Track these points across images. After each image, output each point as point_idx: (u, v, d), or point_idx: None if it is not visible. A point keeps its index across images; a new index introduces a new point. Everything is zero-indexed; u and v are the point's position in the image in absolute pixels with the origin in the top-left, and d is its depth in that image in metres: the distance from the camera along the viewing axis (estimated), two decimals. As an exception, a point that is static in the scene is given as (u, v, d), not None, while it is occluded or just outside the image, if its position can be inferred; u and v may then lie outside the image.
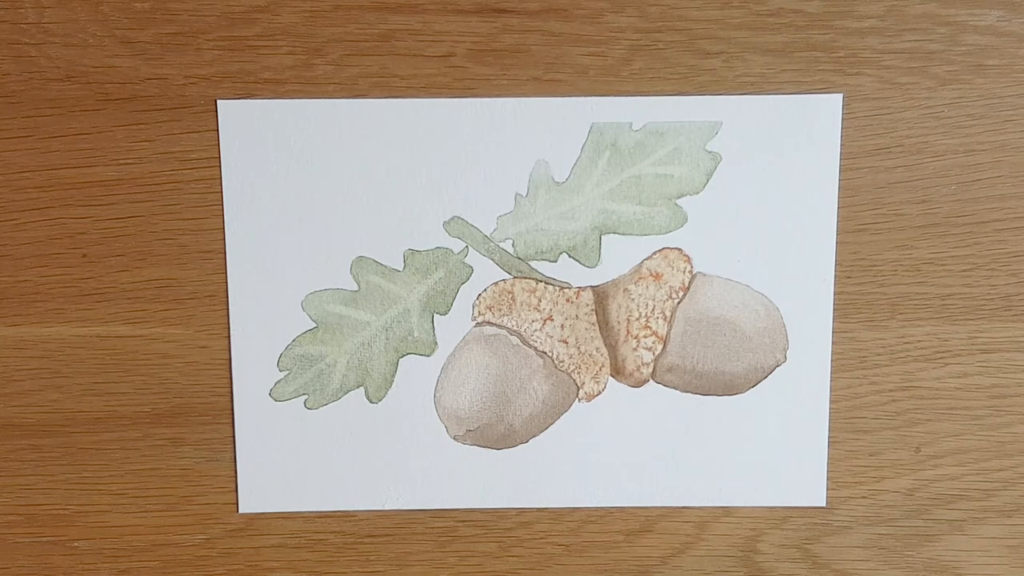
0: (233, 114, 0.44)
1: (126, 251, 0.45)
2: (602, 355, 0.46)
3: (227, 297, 0.45)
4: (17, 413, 0.46)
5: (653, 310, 0.46)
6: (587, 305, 0.46)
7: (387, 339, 0.46)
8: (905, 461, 0.47)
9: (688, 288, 0.46)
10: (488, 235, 0.45)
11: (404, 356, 0.46)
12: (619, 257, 0.45)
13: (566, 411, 0.47)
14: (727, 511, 0.48)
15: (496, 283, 0.46)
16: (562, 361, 0.46)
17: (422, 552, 0.48)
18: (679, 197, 0.45)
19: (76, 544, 0.48)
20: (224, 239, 0.45)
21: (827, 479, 0.47)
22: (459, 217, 0.45)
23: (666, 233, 0.45)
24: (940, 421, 0.47)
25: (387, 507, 0.47)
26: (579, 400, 0.46)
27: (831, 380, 0.46)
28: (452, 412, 0.46)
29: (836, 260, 0.45)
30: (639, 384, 0.46)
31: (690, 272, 0.46)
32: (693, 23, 0.43)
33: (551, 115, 0.44)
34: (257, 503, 0.47)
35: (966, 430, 0.47)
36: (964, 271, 0.46)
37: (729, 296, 0.46)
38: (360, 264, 0.45)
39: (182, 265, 0.45)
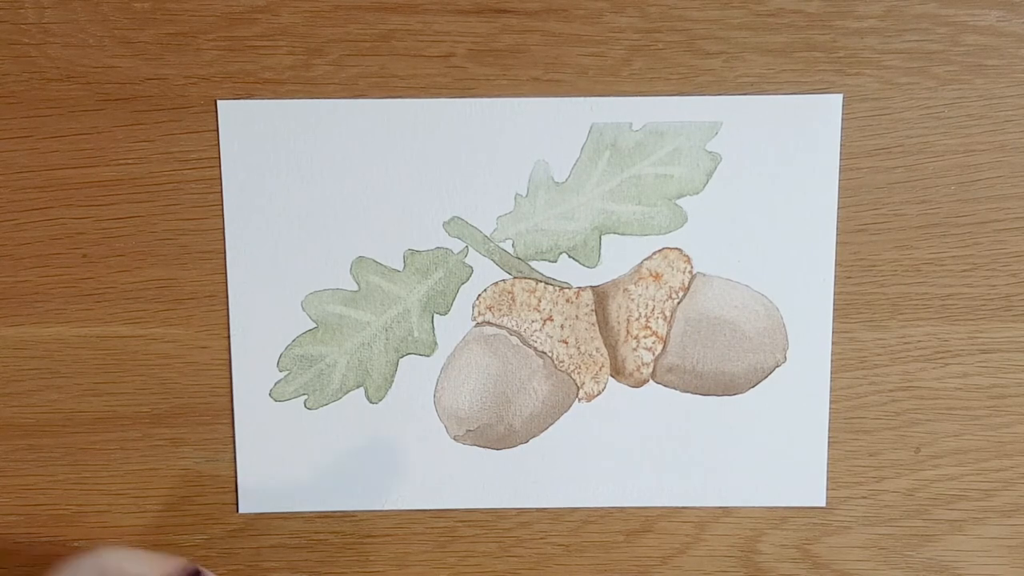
0: (233, 114, 0.44)
1: (126, 251, 0.45)
2: (602, 355, 0.46)
3: (227, 297, 0.45)
4: (17, 413, 0.46)
5: (653, 310, 0.46)
6: (587, 305, 0.46)
7: (387, 339, 0.46)
8: (905, 461, 0.47)
9: (688, 288, 0.46)
10: (488, 235, 0.45)
11: (404, 356, 0.46)
12: (619, 257, 0.45)
13: (566, 411, 0.47)
14: (727, 511, 0.48)
15: (496, 283, 0.46)
16: (562, 361, 0.46)
17: (422, 552, 0.48)
18: (679, 197, 0.45)
19: (76, 544, 0.47)
20: (224, 239, 0.45)
21: (827, 479, 0.47)
22: (459, 217, 0.45)
23: (666, 233, 0.45)
24: (940, 421, 0.47)
25: (387, 507, 0.47)
26: (579, 400, 0.46)
27: (831, 380, 0.46)
28: (452, 412, 0.46)
29: (836, 260, 0.45)
30: (639, 384, 0.46)
31: (690, 272, 0.46)
32: (693, 23, 0.43)
33: (551, 115, 0.44)
34: (257, 503, 0.47)
35: (966, 430, 0.47)
36: (964, 271, 0.46)
37: (729, 296, 0.46)
38: (360, 264, 0.45)
39: (182, 265, 0.45)
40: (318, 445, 0.46)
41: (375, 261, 0.45)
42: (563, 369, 0.46)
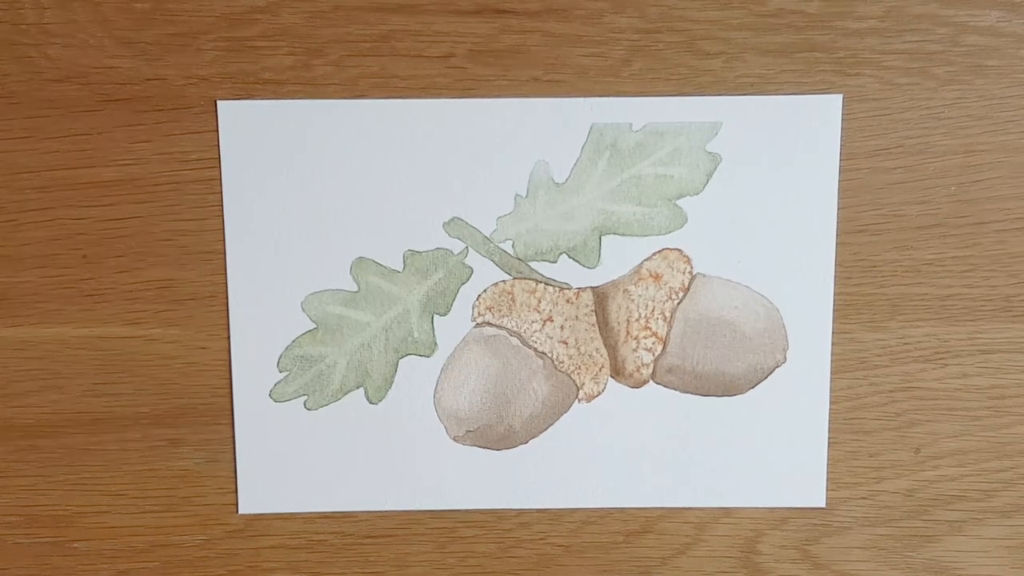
0: (233, 114, 0.44)
1: (126, 251, 0.45)
2: (602, 356, 0.46)
3: (227, 297, 0.45)
4: (17, 413, 0.46)
5: (653, 311, 0.46)
6: (587, 306, 0.46)
7: (387, 340, 0.46)
8: (905, 462, 0.47)
9: (688, 289, 0.46)
10: (488, 236, 0.45)
11: (404, 357, 0.46)
12: (619, 258, 0.45)
13: (566, 412, 0.47)
14: (727, 512, 0.48)
15: (496, 284, 0.46)
16: (562, 362, 0.46)
17: (422, 553, 0.48)
18: (679, 198, 0.45)
19: (75, 545, 0.47)
20: (224, 239, 0.45)
21: (827, 480, 0.47)
22: (459, 218, 0.45)
23: (666, 234, 0.45)
24: (940, 422, 0.47)
25: (387, 508, 0.47)
26: (579, 401, 0.46)
27: (831, 380, 0.46)
28: (452, 413, 0.46)
29: (836, 260, 0.45)
30: (639, 385, 0.46)
31: (690, 273, 0.46)
32: (693, 23, 0.43)
33: (551, 115, 0.44)
34: (257, 503, 0.47)
35: (966, 430, 0.47)
36: (964, 272, 0.46)
37: (729, 297, 0.46)
38: (360, 265, 0.45)
39: (182, 265, 0.45)
40: (318, 445, 0.46)
41: (375, 261, 0.45)
42: (563, 370, 0.46)
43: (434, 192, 0.45)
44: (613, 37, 0.43)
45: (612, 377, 0.46)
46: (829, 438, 0.47)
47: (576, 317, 0.46)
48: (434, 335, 0.46)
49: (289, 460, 0.47)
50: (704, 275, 0.46)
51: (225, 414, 0.46)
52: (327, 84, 0.44)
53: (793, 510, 0.48)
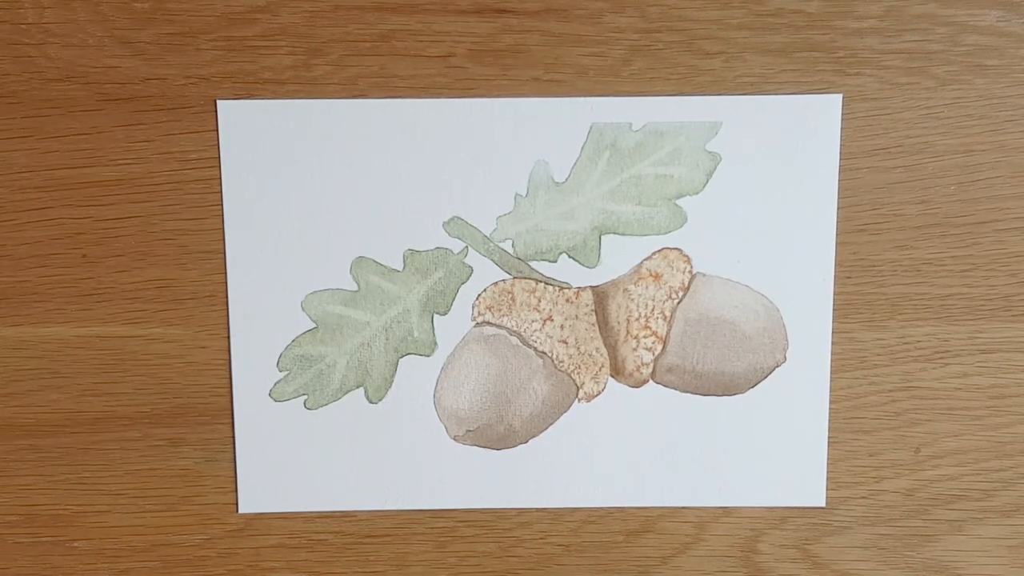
0: (233, 114, 0.44)
1: (126, 251, 0.45)
2: (602, 355, 0.46)
3: (227, 297, 0.45)
4: (17, 413, 0.46)
5: (653, 310, 0.46)
6: (587, 305, 0.46)
7: (387, 339, 0.46)
8: (905, 461, 0.47)
9: (688, 288, 0.46)
10: (488, 235, 0.45)
11: (404, 356, 0.46)
12: (619, 257, 0.45)
13: (566, 411, 0.47)
14: (727, 511, 0.48)
15: (496, 283, 0.46)
16: (562, 361, 0.46)
17: (422, 552, 0.48)
18: (679, 197, 0.45)
19: (76, 544, 0.47)
20: (224, 239, 0.45)
21: (827, 479, 0.47)
22: (459, 217, 0.45)
23: (666, 233, 0.45)
24: (940, 421, 0.47)
25: (387, 507, 0.47)
26: (579, 400, 0.46)
27: (831, 380, 0.46)
28: (452, 412, 0.46)
29: (836, 260, 0.45)
30: (639, 384, 0.46)
31: (690, 272, 0.46)
32: (693, 23, 0.43)
33: (551, 115, 0.44)
34: (257, 503, 0.47)
35: (966, 430, 0.47)
36: (964, 271, 0.46)
37: (729, 296, 0.46)
38: (360, 264, 0.45)
39: (182, 265, 0.45)
40: (318, 445, 0.46)
41: (375, 261, 0.45)
42: (563, 369, 0.46)
43: (434, 192, 0.45)
44: (613, 37, 0.43)
45: (612, 377, 0.46)
46: (829, 438, 0.47)
47: (576, 316, 0.46)
48: (434, 334, 0.46)
49: (289, 460, 0.47)
50: (704, 275, 0.46)
51: (225, 414, 0.46)
52: (327, 84, 0.44)
53: (793, 509, 0.48)
